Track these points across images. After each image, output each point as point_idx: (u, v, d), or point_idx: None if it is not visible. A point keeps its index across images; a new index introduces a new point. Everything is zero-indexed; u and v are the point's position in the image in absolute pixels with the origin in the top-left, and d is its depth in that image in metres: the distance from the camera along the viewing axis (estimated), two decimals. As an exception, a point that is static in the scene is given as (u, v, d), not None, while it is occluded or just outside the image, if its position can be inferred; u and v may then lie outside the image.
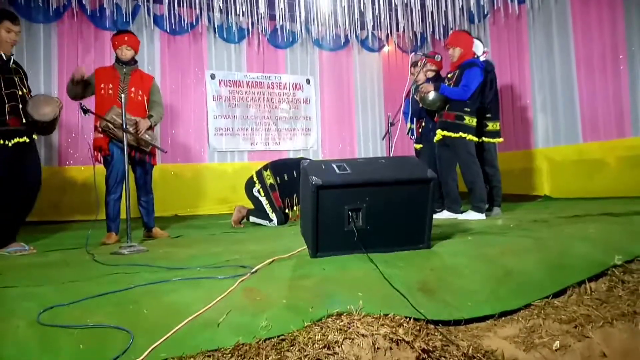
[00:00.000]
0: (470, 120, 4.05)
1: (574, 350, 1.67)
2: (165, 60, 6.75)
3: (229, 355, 1.48)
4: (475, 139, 4.10)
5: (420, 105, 4.40)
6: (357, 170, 2.33)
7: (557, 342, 1.67)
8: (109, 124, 3.64)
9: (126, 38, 4.00)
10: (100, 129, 3.76)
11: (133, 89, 3.94)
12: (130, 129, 3.55)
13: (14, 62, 3.45)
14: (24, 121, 3.30)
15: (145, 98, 4.03)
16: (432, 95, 4.15)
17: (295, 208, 4.68)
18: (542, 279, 2.00)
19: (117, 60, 4.01)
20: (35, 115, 3.25)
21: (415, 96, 4.47)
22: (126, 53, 3.98)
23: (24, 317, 1.65)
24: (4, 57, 3.35)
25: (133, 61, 4.05)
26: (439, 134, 4.15)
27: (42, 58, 6.03)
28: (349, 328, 1.59)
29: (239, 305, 1.73)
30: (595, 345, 1.71)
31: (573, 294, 1.96)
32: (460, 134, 4.03)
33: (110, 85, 3.89)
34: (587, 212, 3.73)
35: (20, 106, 3.29)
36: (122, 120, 3.23)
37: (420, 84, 4.65)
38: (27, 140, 3.35)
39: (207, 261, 2.44)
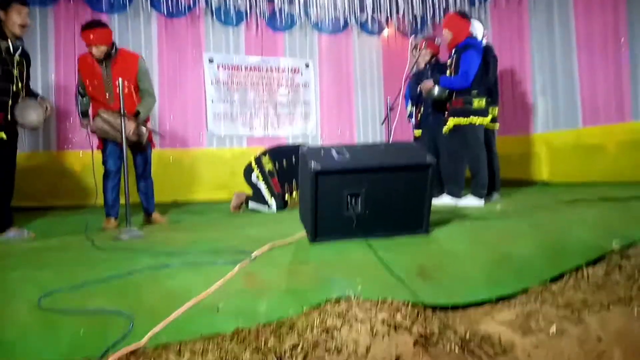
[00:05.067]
0: (480, 102, 4.03)
1: (570, 335, 1.69)
2: (162, 43, 6.67)
3: (229, 339, 1.49)
4: (487, 120, 4.08)
5: (424, 96, 4.38)
6: (356, 155, 2.32)
7: (554, 326, 1.68)
8: (101, 130, 3.65)
9: (91, 36, 3.62)
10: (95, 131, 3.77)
11: (119, 81, 3.81)
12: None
13: (22, 52, 3.40)
14: (8, 118, 3.28)
15: (132, 87, 3.82)
16: (436, 90, 4.13)
17: (294, 194, 4.68)
18: (540, 264, 2.01)
19: None
20: (20, 119, 3.29)
21: (423, 92, 4.40)
22: (96, 52, 3.68)
23: (25, 301, 1.66)
24: (11, 49, 3.31)
25: (109, 52, 3.75)
26: (451, 121, 4.10)
27: (38, 42, 5.96)
28: (348, 313, 1.60)
29: (238, 290, 1.74)
30: (591, 329, 1.72)
31: (570, 279, 1.97)
32: (471, 118, 4.01)
33: (95, 82, 3.79)
34: (586, 197, 3.73)
35: (11, 103, 3.26)
36: (112, 123, 3.25)
37: (419, 70, 4.63)
38: (5, 137, 3.31)
39: (206, 246, 2.45)
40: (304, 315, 1.60)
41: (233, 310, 1.62)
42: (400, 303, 1.70)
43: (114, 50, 3.80)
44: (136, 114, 3.75)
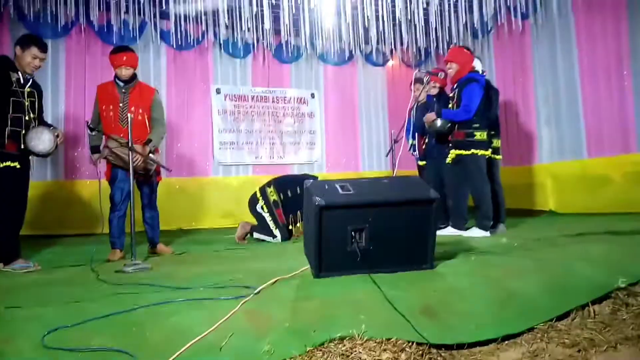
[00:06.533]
0: (481, 135, 4.08)
1: (577, 376, 1.66)
2: (171, 75, 6.82)
3: (231, 379, 1.48)
4: (487, 153, 4.13)
5: (427, 128, 4.43)
6: (360, 190, 2.34)
7: (561, 367, 1.66)
8: (113, 154, 3.71)
9: (125, 58, 3.89)
10: (106, 156, 3.81)
11: (133, 109, 3.90)
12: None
13: (33, 82, 3.50)
14: (22, 147, 3.35)
15: (146, 116, 3.98)
16: (439, 122, 4.20)
17: (298, 224, 4.69)
18: (546, 302, 1.99)
19: (116, 77, 3.96)
20: (32, 146, 3.35)
21: (426, 124, 4.44)
22: (125, 73, 3.91)
23: (29, 338, 1.66)
24: (22, 80, 3.40)
25: (133, 77, 3.98)
26: (452, 153, 4.16)
27: (49, 73, 6.10)
28: (352, 353, 1.59)
29: (241, 328, 1.73)
30: (599, 370, 1.70)
31: (576, 317, 1.95)
32: (472, 150, 4.06)
33: (111, 107, 3.89)
34: (591, 230, 3.71)
35: (23, 132, 3.34)
36: (128, 145, 3.28)
37: (421, 102, 4.69)
38: (19, 166, 3.37)
39: (210, 280, 2.45)
40: (307, 355, 1.59)
41: (236, 349, 1.61)
42: (405, 342, 1.68)
43: (135, 79, 4.01)
44: (147, 142, 3.88)
